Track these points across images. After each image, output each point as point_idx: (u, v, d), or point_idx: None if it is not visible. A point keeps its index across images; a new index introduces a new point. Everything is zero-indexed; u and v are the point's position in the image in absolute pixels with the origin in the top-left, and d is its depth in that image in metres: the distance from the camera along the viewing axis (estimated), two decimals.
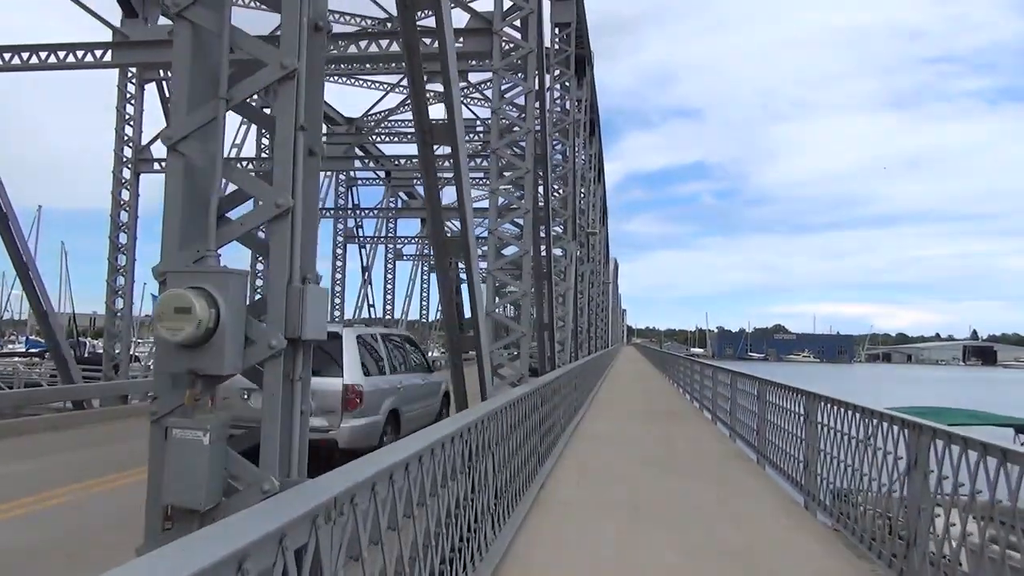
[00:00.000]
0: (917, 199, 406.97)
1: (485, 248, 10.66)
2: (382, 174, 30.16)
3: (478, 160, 21.38)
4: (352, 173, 30.15)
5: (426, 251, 36.48)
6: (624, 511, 7.58)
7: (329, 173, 27.20)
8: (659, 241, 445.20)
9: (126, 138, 16.86)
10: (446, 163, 11.41)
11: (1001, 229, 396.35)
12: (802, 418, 8.39)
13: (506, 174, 10.90)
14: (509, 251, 11.50)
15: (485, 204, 12.39)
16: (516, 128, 11.15)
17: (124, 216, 16.53)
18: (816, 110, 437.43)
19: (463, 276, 29.53)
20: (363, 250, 31.17)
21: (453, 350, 8.69)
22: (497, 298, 11.09)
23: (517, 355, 10.65)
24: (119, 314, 16.18)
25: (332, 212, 29.94)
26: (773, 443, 10.00)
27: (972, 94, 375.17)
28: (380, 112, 23.26)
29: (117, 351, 15.99)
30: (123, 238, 16.45)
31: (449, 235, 11.88)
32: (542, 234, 13.28)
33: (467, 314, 17.04)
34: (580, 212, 21.62)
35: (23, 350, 36.89)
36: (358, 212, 32.16)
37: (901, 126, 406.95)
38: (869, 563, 5.92)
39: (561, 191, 18.53)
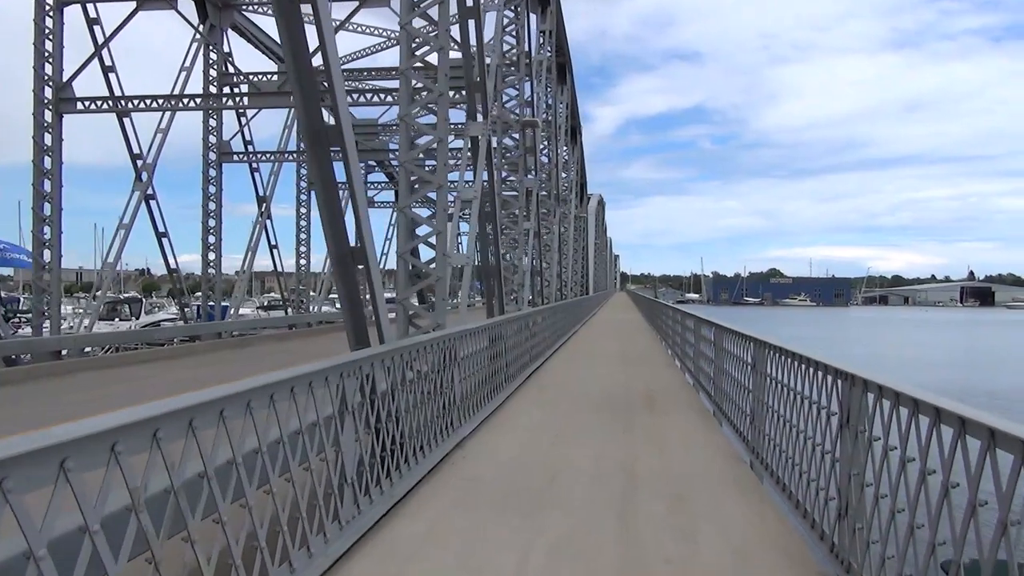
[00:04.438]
0: (916, 141, 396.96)
1: None
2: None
3: None
4: None
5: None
6: None
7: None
8: (656, 187, 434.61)
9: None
10: None
11: (998, 170, 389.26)
12: None
13: None
14: None
15: None
16: None
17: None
18: (817, 52, 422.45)
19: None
20: (256, 173, 24.12)
21: None
22: None
23: None
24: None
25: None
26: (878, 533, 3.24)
27: (975, 32, 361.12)
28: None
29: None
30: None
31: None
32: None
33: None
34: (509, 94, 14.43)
35: None
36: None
37: (902, 67, 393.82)
38: None
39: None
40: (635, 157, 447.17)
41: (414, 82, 8.59)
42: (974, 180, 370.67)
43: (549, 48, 23.52)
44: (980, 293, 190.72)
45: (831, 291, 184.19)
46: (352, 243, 6.12)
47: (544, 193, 25.27)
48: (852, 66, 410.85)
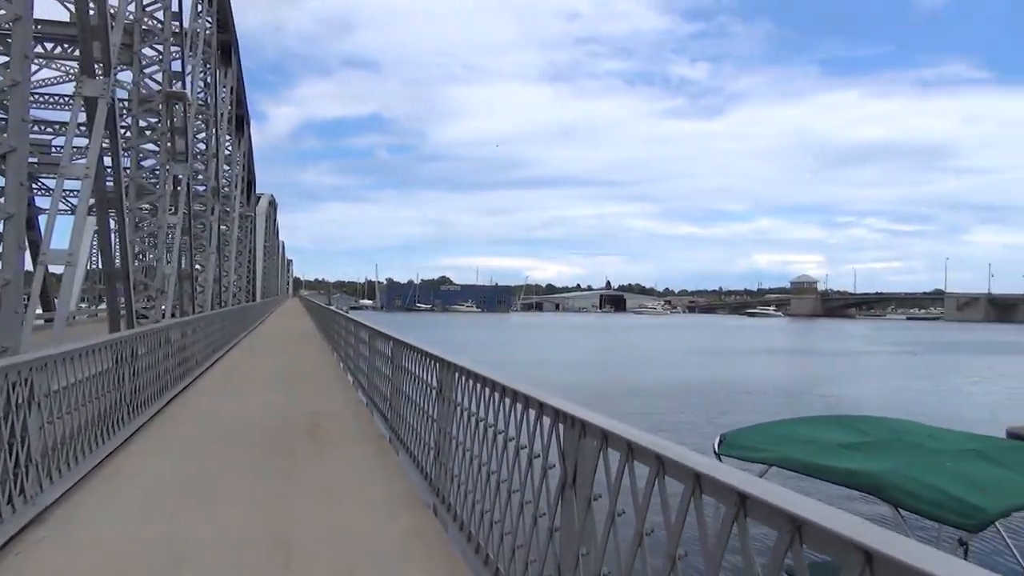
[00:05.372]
0: (567, 165, 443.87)
1: None
2: None
3: None
4: None
5: None
6: None
7: None
8: (333, 192, 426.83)
9: None
10: None
11: (629, 194, 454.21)
12: None
13: None
14: None
15: None
16: None
17: None
18: (488, 75, 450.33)
19: None
20: None
21: None
22: None
23: None
24: None
25: None
26: None
27: (614, 74, 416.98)
28: None
29: None
30: None
31: None
32: None
33: None
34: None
35: None
36: None
37: (558, 97, 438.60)
38: None
39: None
40: (312, 161, 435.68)
41: None
42: (610, 202, 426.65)
43: (209, 20, 20.55)
44: (615, 300, 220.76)
45: (495, 298, 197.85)
46: None
47: (202, 187, 22.12)
48: (517, 91, 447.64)
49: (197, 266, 20.54)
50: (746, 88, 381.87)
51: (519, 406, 4.13)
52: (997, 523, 4.85)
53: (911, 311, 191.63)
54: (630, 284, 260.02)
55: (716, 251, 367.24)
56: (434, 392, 6.57)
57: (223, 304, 25.71)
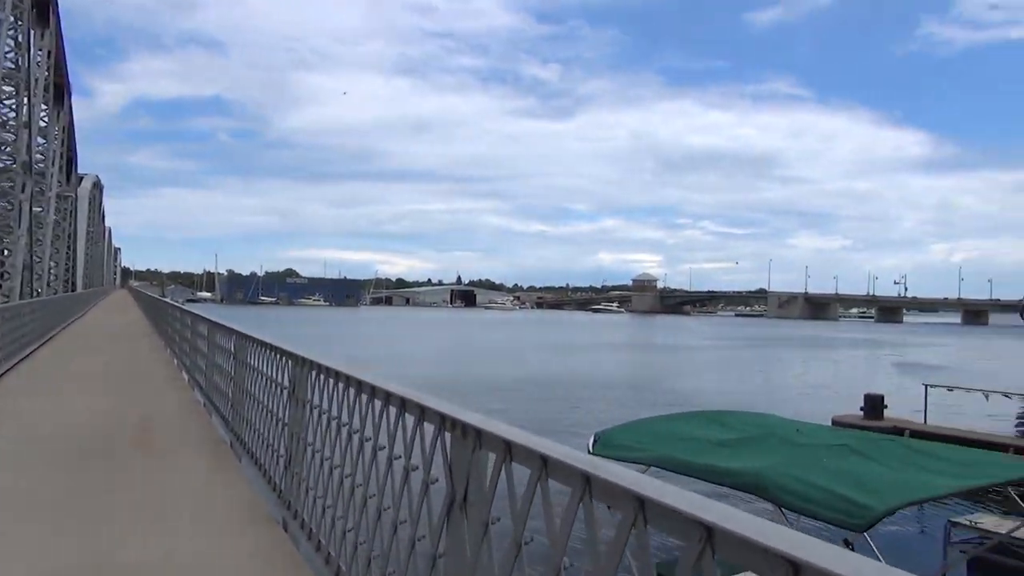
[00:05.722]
0: (420, 158, 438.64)
1: None
2: None
3: None
4: None
5: None
6: None
7: None
8: (169, 177, 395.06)
9: None
10: None
11: (482, 191, 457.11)
12: None
13: None
14: None
15: None
16: None
17: None
18: (339, 64, 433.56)
19: None
20: None
21: None
22: None
23: None
24: None
25: None
26: None
27: (468, 71, 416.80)
28: None
29: None
30: None
31: None
32: None
33: None
34: None
35: None
36: None
37: (410, 90, 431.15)
38: None
39: None
40: (145, 142, 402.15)
41: None
42: (463, 198, 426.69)
43: None
44: (465, 295, 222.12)
45: (343, 292, 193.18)
46: None
47: (10, 160, 19.53)
48: (370, 82, 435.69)
49: (4, 251, 18.13)
50: (594, 91, 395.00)
51: (393, 409, 3.57)
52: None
53: (739, 308, 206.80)
54: (481, 280, 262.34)
55: (564, 249, 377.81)
56: (285, 392, 5.84)
57: (36, 293, 22.94)
